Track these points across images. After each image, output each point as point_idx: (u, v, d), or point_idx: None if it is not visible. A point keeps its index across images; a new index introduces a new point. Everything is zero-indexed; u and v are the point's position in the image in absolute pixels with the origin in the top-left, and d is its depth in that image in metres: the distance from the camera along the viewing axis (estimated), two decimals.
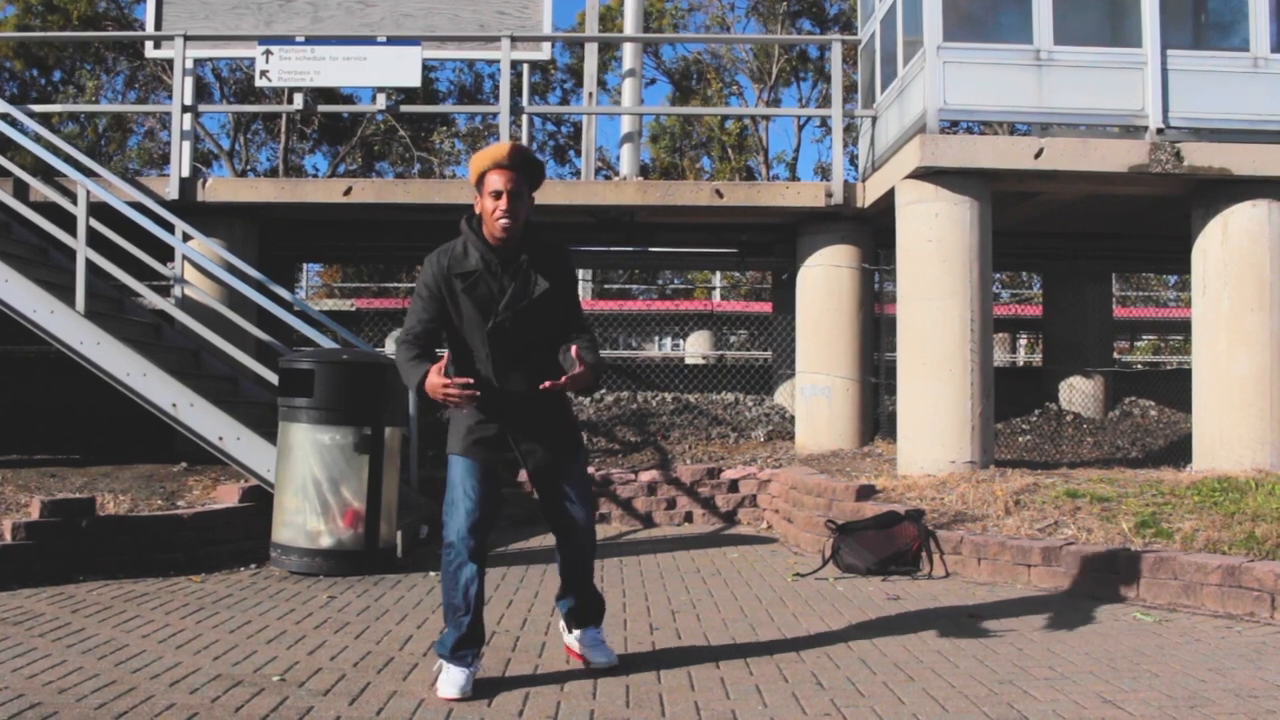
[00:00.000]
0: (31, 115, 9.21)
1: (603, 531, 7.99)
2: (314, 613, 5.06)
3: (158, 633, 4.57)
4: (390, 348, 15.73)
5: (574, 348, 3.69)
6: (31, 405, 9.80)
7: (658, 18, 25.06)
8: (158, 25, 9.91)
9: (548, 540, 7.47)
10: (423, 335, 3.75)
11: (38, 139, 8.86)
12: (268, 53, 9.18)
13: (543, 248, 3.84)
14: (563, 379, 3.66)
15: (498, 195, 3.67)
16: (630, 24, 11.45)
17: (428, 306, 3.76)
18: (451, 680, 3.71)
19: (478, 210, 3.77)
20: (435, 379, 3.54)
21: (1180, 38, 8.09)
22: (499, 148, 3.73)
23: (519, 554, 6.96)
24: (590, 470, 8.41)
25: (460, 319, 3.76)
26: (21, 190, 8.30)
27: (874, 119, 9.45)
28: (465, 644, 3.75)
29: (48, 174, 8.66)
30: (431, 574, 6.11)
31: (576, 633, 4.11)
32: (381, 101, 9.53)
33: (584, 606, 4.09)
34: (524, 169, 3.73)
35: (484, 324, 3.72)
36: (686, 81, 26.50)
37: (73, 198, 7.66)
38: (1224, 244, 7.82)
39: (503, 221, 3.68)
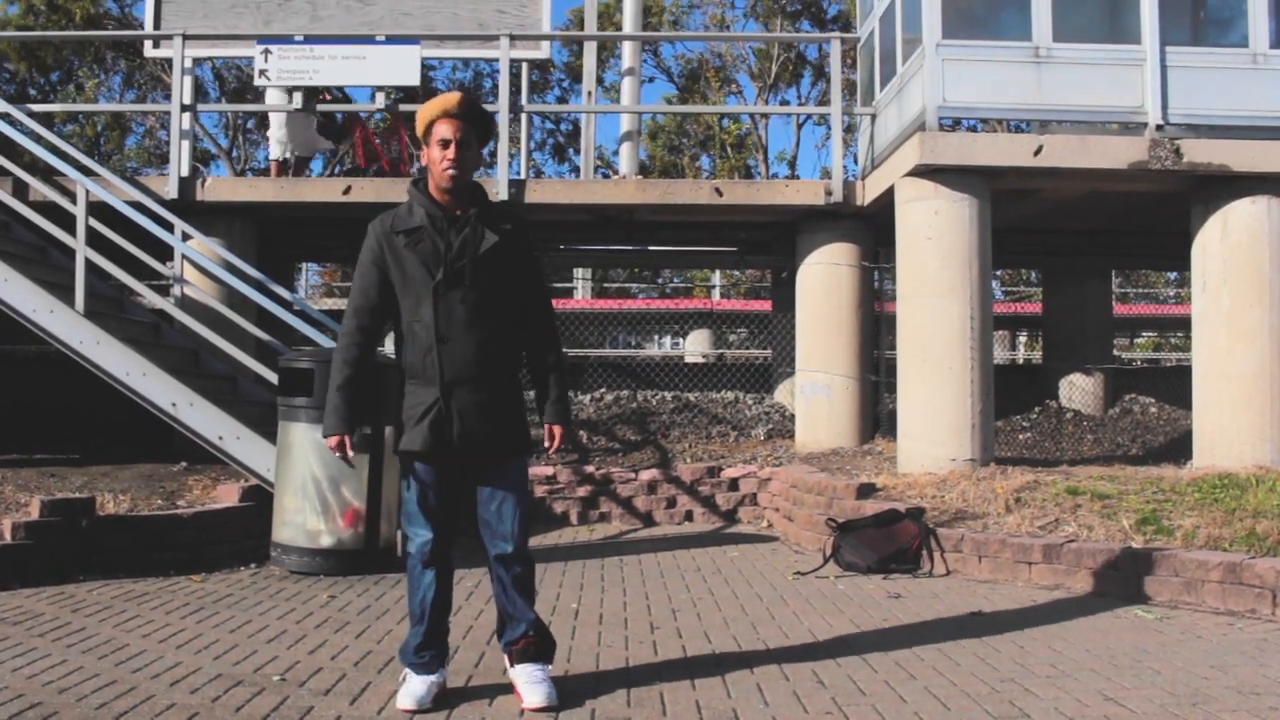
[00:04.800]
0: (31, 115, 9.20)
1: (603, 530, 8.00)
2: (314, 612, 5.06)
3: (158, 632, 4.57)
4: (392, 349, 15.72)
5: (549, 427, 3.74)
6: (31, 405, 9.78)
7: (657, 14, 25.05)
8: (156, 24, 9.91)
9: (546, 539, 7.47)
10: (366, 314, 3.61)
11: (37, 138, 8.84)
12: (266, 52, 9.16)
13: (494, 206, 3.71)
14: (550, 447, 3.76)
15: (445, 144, 3.52)
16: (629, 22, 11.46)
17: (368, 275, 3.62)
18: (409, 691, 3.56)
19: (424, 163, 3.62)
20: (333, 447, 3.61)
21: (1179, 34, 8.07)
22: (447, 97, 3.58)
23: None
24: (590, 469, 8.41)
25: (405, 279, 3.57)
26: (21, 190, 8.29)
27: (873, 117, 9.44)
28: (425, 647, 3.61)
29: (47, 173, 8.64)
30: None
31: (518, 668, 3.67)
32: (380, 100, 9.52)
33: (528, 641, 3.67)
34: (473, 119, 3.58)
35: (429, 280, 3.54)
36: (693, 84, 26.48)
37: (72, 197, 7.64)
38: (1223, 240, 7.82)
39: (449, 171, 3.53)
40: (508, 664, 3.72)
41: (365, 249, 3.65)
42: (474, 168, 3.64)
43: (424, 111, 3.59)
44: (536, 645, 3.67)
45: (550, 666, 3.71)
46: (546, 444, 3.76)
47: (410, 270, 3.57)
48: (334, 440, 3.61)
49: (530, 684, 3.59)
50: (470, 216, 3.59)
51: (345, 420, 3.61)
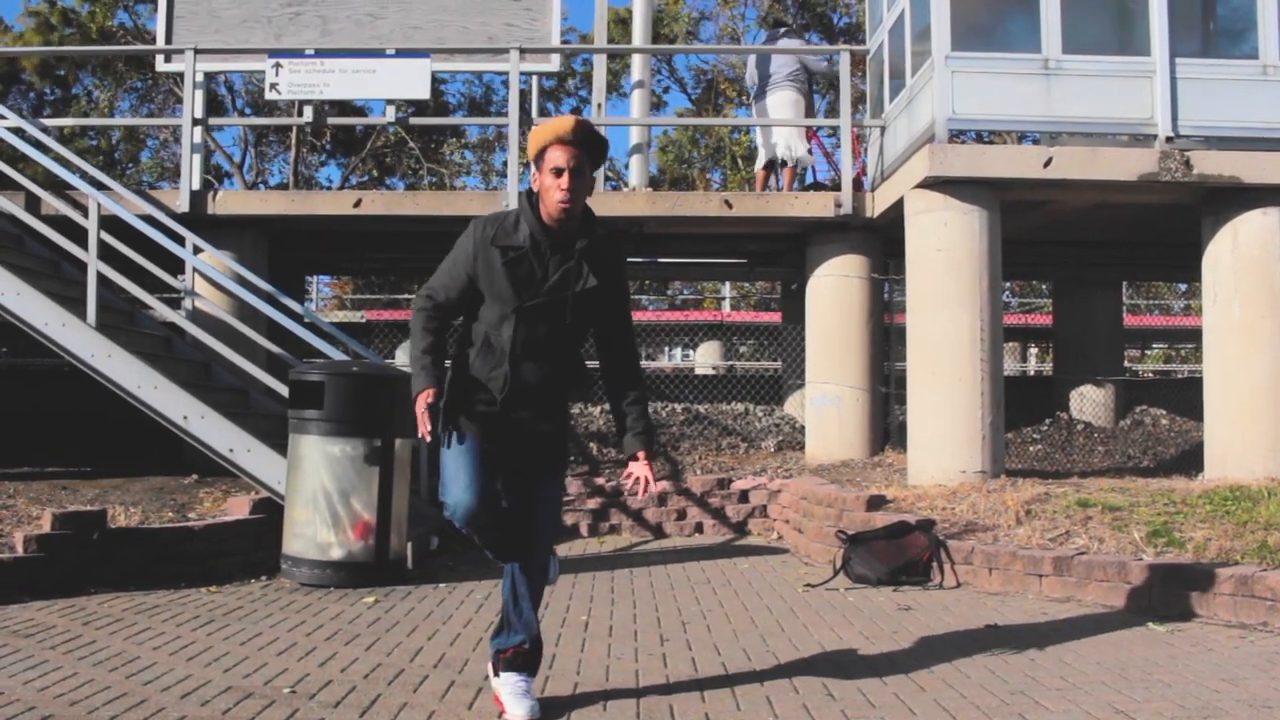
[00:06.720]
0: (44, 129, 9.26)
1: (613, 543, 7.99)
2: (324, 625, 5.07)
3: (169, 645, 4.58)
4: (401, 359, 15.74)
5: (639, 454, 3.72)
6: (43, 418, 9.83)
7: (669, 22, 25.07)
8: (168, 39, 9.96)
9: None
10: (444, 305, 3.60)
11: (50, 153, 8.89)
12: (277, 65, 9.21)
13: (602, 240, 3.64)
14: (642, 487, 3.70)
15: (558, 173, 3.46)
16: (638, 35, 11.47)
17: (456, 273, 3.59)
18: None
19: (535, 188, 3.56)
20: (424, 404, 3.46)
21: (1189, 46, 8.07)
22: (562, 121, 3.53)
23: None
24: (600, 481, 8.41)
25: (493, 291, 3.55)
26: (33, 204, 8.34)
27: (883, 129, 9.45)
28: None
29: (59, 187, 8.70)
30: (441, 585, 6.12)
31: (504, 676, 3.69)
32: (391, 114, 9.55)
33: (518, 651, 3.68)
34: (587, 145, 3.52)
35: (516, 302, 3.52)
36: (706, 96, 26.55)
37: (84, 211, 7.70)
38: (1234, 252, 7.79)
39: (562, 202, 3.47)
40: (491, 672, 3.73)
41: (460, 246, 3.61)
42: (587, 193, 3.58)
43: (537, 135, 3.54)
44: (525, 657, 3.67)
45: (534, 679, 3.72)
46: (638, 474, 3.71)
47: (499, 287, 3.54)
48: (430, 393, 3.48)
49: (515, 695, 3.61)
50: (578, 251, 3.56)
51: (435, 377, 3.52)
